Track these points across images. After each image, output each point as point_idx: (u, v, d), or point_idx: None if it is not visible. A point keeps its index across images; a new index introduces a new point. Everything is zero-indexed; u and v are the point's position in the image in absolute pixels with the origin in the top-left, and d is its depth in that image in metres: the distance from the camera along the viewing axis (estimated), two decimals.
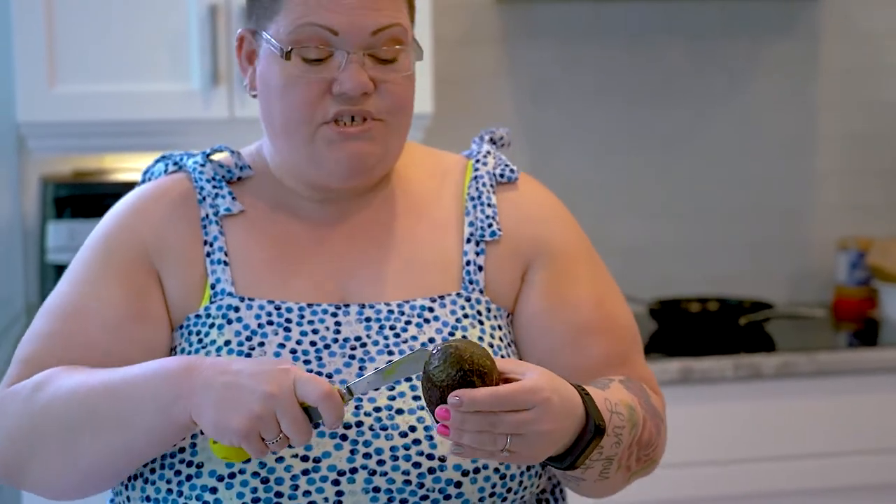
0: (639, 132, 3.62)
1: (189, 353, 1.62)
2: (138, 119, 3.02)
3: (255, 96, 1.67)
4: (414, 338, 1.61)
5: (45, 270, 3.11)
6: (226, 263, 1.64)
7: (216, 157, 1.72)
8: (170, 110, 3.02)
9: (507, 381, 1.45)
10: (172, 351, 1.64)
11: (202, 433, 1.55)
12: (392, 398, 1.57)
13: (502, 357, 1.63)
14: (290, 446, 1.51)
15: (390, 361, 1.56)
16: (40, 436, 1.56)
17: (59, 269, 3.06)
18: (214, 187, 1.68)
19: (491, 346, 1.63)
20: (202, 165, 1.69)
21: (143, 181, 1.75)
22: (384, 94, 1.61)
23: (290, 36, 1.59)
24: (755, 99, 3.66)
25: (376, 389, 1.54)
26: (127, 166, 3.27)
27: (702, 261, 3.67)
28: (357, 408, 1.56)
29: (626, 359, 1.70)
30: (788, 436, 3.14)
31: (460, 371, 1.42)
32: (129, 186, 1.77)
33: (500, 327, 1.66)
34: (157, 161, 1.74)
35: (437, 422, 1.42)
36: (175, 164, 1.72)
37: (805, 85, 3.69)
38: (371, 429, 1.55)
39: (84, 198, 3.10)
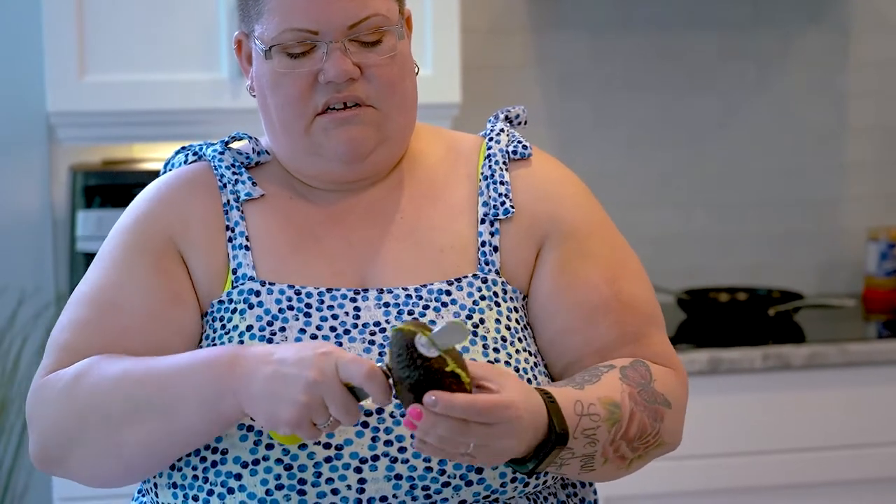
0: (667, 123, 3.61)
1: (213, 339, 1.63)
2: (167, 108, 3.03)
3: (255, 96, 1.69)
4: (432, 322, 1.61)
5: (75, 259, 3.12)
6: (247, 248, 1.66)
7: (234, 144, 1.74)
8: (199, 100, 3.03)
9: (480, 388, 1.46)
10: (201, 338, 1.65)
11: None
12: None
13: (518, 339, 1.64)
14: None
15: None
16: (83, 426, 1.57)
17: (89, 258, 3.07)
18: (234, 173, 1.70)
19: (508, 328, 1.63)
20: (221, 153, 1.71)
21: (164, 171, 1.77)
22: (371, 78, 1.63)
23: (272, 41, 1.62)
24: (785, 90, 3.65)
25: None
26: (156, 156, 3.28)
27: (731, 251, 3.66)
28: None
29: (640, 336, 1.68)
30: (817, 427, 3.13)
31: (440, 371, 1.42)
32: (158, 176, 1.79)
33: (516, 309, 1.66)
34: (178, 152, 1.76)
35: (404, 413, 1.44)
36: (195, 153, 1.74)
37: (835, 76, 3.67)
38: (392, 416, 1.56)
39: (113, 187, 3.11)
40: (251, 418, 1.53)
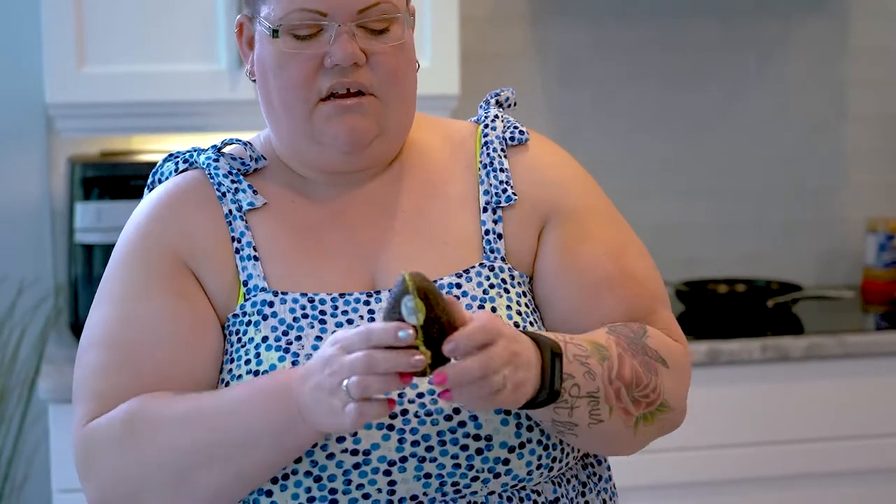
0: (667, 112, 3.60)
1: (231, 353, 1.62)
2: (166, 100, 3.03)
3: (255, 81, 1.67)
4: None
5: (74, 251, 3.12)
6: (256, 259, 1.64)
7: (227, 149, 1.70)
8: (197, 91, 3.03)
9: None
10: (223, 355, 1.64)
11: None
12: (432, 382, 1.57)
13: (530, 323, 1.64)
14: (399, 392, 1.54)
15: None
16: (147, 474, 1.55)
17: (88, 249, 3.07)
18: (233, 182, 1.67)
19: (519, 313, 1.64)
20: (216, 160, 1.68)
21: (153, 182, 1.73)
22: (376, 66, 1.62)
23: (281, 21, 1.61)
24: (785, 78, 3.64)
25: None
26: (154, 147, 3.28)
27: (730, 241, 3.66)
28: (400, 395, 1.56)
29: (648, 313, 1.68)
30: (816, 418, 3.13)
31: (432, 317, 1.43)
32: (155, 165, 1.76)
33: (524, 293, 1.67)
34: (166, 160, 1.72)
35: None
36: (185, 161, 1.70)
37: (835, 64, 3.66)
38: (416, 416, 1.56)
39: (112, 178, 3.11)
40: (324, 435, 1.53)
